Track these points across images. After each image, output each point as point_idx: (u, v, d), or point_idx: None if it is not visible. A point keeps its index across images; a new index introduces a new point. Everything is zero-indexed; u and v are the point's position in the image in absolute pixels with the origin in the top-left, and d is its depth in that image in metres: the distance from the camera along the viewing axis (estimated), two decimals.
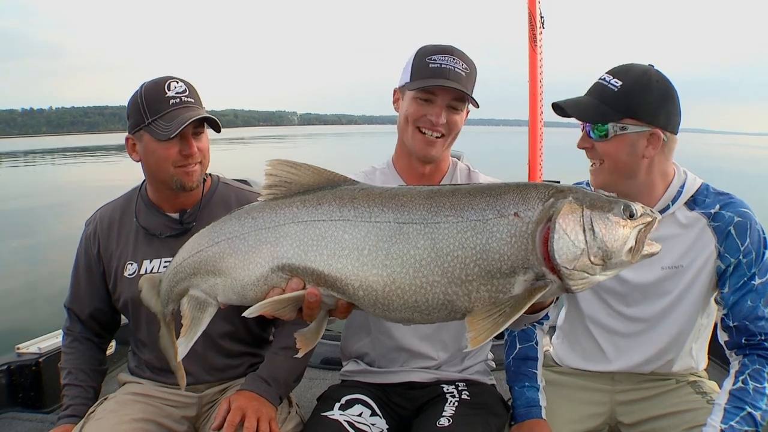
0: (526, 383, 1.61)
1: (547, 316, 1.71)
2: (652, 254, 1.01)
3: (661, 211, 1.48)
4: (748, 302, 1.44)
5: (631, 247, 0.97)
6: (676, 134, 1.47)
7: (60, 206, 13.38)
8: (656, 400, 1.58)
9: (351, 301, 1.06)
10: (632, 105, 1.40)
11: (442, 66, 1.51)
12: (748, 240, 1.45)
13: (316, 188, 1.11)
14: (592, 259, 0.95)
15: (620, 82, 1.41)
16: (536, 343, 1.68)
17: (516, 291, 0.97)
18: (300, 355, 1.12)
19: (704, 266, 1.50)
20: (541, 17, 3.35)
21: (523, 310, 0.94)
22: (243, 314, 1.08)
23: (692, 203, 1.51)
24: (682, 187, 1.51)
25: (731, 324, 1.47)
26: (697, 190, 1.51)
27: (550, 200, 0.98)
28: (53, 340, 2.56)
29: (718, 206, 1.48)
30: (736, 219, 1.46)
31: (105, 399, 1.63)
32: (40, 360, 2.45)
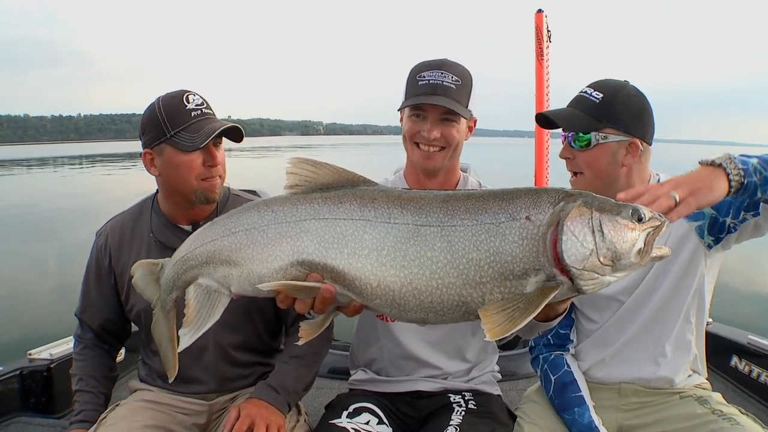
0: (576, 409, 1.59)
1: (571, 340, 1.72)
2: (661, 257, 1.03)
3: None
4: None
5: (640, 249, 0.99)
6: (650, 144, 1.54)
7: (76, 213, 13.46)
8: (661, 414, 1.58)
9: (365, 303, 1.07)
10: (613, 115, 1.48)
11: (430, 82, 1.54)
12: None
13: (336, 187, 1.12)
14: (601, 259, 0.97)
15: (601, 94, 1.49)
16: (568, 367, 1.67)
17: (528, 292, 1.00)
18: (301, 343, 1.12)
19: (684, 243, 1.53)
20: (548, 31, 3.38)
21: (539, 309, 0.96)
22: (258, 285, 1.09)
23: None
24: None
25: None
26: None
27: (560, 204, 1.00)
28: (65, 346, 2.59)
29: None
30: None
31: (117, 405, 1.65)
32: (52, 366, 2.48)
